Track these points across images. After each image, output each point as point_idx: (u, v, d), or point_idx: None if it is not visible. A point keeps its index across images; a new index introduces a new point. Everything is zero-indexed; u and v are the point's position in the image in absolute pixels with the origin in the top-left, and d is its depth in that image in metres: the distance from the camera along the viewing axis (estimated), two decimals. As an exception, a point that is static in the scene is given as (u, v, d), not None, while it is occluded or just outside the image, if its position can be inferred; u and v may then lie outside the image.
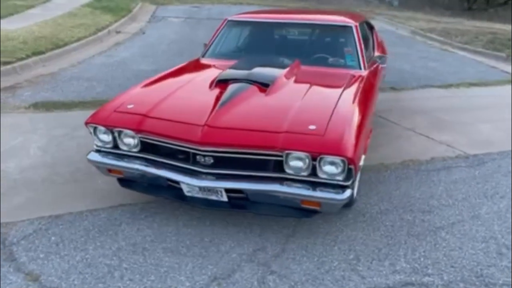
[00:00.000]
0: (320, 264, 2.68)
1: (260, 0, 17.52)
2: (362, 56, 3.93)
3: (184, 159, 2.82)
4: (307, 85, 3.38)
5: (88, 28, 9.79)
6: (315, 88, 3.36)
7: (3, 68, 6.80)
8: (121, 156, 3.00)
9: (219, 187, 2.74)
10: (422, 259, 2.77)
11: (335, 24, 4.17)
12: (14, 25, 9.49)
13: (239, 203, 2.88)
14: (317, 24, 4.24)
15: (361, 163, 2.85)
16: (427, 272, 2.65)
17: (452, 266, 2.71)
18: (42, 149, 4.23)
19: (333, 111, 2.90)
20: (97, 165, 3.06)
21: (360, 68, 3.86)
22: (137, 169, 2.92)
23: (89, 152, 3.09)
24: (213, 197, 2.85)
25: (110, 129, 2.93)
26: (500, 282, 2.57)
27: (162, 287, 2.44)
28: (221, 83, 3.31)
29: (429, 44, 11.64)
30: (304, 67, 3.80)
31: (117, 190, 3.31)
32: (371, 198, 3.50)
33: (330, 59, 3.96)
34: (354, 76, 3.67)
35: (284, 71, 3.50)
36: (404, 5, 20.37)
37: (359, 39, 4.00)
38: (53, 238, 2.86)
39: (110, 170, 3.08)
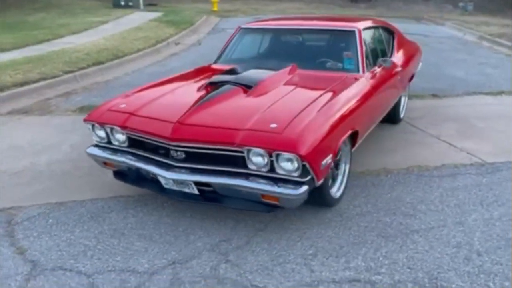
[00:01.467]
0: (276, 257, 2.79)
1: (315, 9, 17.60)
2: (362, 60, 3.95)
3: (162, 154, 3.08)
4: (292, 87, 3.51)
5: (149, 40, 10.55)
6: (298, 90, 3.47)
7: (65, 76, 7.62)
8: (113, 151, 3.33)
9: (188, 180, 2.95)
10: (381, 258, 2.76)
11: (338, 29, 4.23)
12: (85, 39, 10.51)
13: (210, 196, 3.07)
14: (320, 29, 4.33)
15: (326, 162, 2.90)
16: (380, 271, 2.64)
17: (409, 268, 2.67)
18: (73, 146, 4.73)
19: (301, 111, 3.00)
20: (94, 158, 3.43)
21: (358, 71, 3.89)
22: (124, 162, 3.23)
23: (88, 146, 3.46)
24: (186, 190, 3.07)
25: (102, 126, 3.28)
26: (453, 286, 2.50)
27: (123, 267, 2.70)
28: (211, 85, 3.54)
29: (495, 50, 11.00)
30: (300, 71, 3.91)
31: (122, 184, 3.63)
32: (356, 200, 3.51)
33: (329, 63, 4.03)
34: (346, 79, 3.72)
35: (272, 74, 3.65)
36: (480, 10, 19.25)
37: (360, 43, 4.02)
38: (50, 220, 3.25)
39: (105, 163, 3.43)
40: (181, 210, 3.34)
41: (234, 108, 3.17)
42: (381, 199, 3.54)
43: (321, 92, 3.40)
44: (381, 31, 4.81)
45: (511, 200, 3.50)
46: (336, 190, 3.45)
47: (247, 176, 2.86)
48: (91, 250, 2.86)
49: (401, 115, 5.58)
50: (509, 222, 3.18)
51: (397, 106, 5.24)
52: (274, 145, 2.70)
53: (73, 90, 7.18)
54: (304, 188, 2.75)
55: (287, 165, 2.74)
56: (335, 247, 2.89)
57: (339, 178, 3.53)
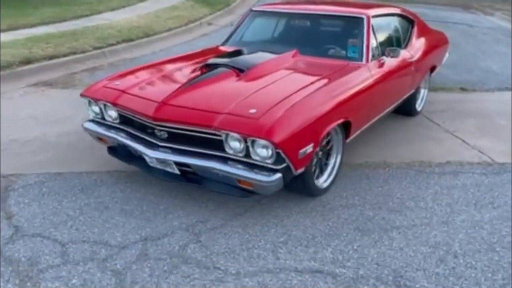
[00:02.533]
0: (246, 242, 2.80)
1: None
2: (367, 48, 3.83)
3: (148, 132, 3.14)
4: (285, 73, 3.46)
5: (182, 20, 10.63)
6: (290, 76, 3.42)
7: (94, 52, 7.84)
8: (107, 127, 3.42)
9: (169, 160, 3.00)
10: (351, 252, 2.72)
11: (346, 16, 4.11)
12: (120, 16, 10.73)
13: (191, 177, 3.11)
14: (328, 15, 4.22)
15: (306, 150, 2.85)
16: (346, 264, 2.61)
17: (377, 264, 2.62)
18: (84, 120, 4.89)
19: (285, 98, 2.96)
20: (89, 133, 3.54)
21: (361, 60, 3.78)
22: (114, 139, 3.32)
23: (85, 121, 3.57)
24: (169, 169, 3.12)
25: (96, 102, 3.37)
26: (417, 286, 2.44)
27: (97, 239, 2.79)
28: (206, 67, 3.55)
29: (542, 44, 10.32)
30: (301, 57, 3.85)
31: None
32: (345, 192, 3.45)
33: (332, 50, 3.94)
34: (346, 67, 3.63)
35: (269, 59, 3.61)
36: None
37: (368, 31, 3.90)
38: (44, 189, 3.40)
39: (99, 138, 3.53)
40: (167, 189, 3.40)
41: (220, 91, 3.17)
42: (371, 192, 3.46)
43: (314, 79, 3.34)
44: (396, 19, 4.64)
45: (510, 202, 3.33)
46: (323, 181, 3.41)
47: (224, 159, 2.87)
48: (72, 221, 2.98)
49: (419, 108, 5.39)
50: (499, 226, 3.04)
51: (412, 98, 5.07)
52: (249, 131, 2.68)
53: (100, 65, 7.37)
54: (277, 176, 2.73)
55: (262, 152, 2.73)
56: (308, 236, 2.87)
57: (329, 168, 3.48)
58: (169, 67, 3.79)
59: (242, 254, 2.68)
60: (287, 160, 2.75)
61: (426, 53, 5.03)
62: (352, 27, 4.00)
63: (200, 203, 3.23)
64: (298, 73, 3.54)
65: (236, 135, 2.73)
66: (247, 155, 2.78)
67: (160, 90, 3.24)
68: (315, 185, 3.26)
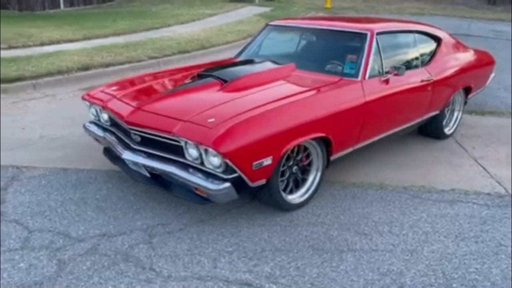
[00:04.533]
0: (195, 248, 2.85)
1: (441, 10, 16.35)
2: (365, 65, 3.71)
3: (127, 135, 3.33)
4: (269, 86, 3.48)
5: (242, 33, 10.95)
6: (273, 89, 3.43)
7: (149, 61, 8.37)
8: (101, 128, 3.68)
9: (138, 162, 3.15)
10: (291, 269, 2.66)
11: (350, 31, 4.02)
12: (186, 29, 11.32)
13: (161, 181, 3.23)
14: (335, 30, 4.14)
15: (262, 163, 2.85)
16: (279, 281, 2.55)
17: (311, 284, 2.54)
18: (110, 123, 5.26)
19: (250, 109, 2.99)
20: (88, 133, 3.82)
21: (357, 77, 3.67)
22: (104, 139, 3.56)
23: (86, 122, 3.87)
24: (142, 172, 3.28)
25: (92, 105, 3.65)
26: (341, 311, 2.32)
27: (61, 230, 3.00)
28: (198, 77, 3.68)
29: None
30: (297, 71, 3.83)
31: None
32: (320, 210, 3.36)
33: (329, 65, 3.88)
34: (337, 83, 3.56)
35: (257, 71, 3.66)
36: None
37: (369, 47, 3.78)
38: (43, 182, 3.72)
39: (96, 139, 3.80)
40: (149, 191, 3.55)
41: (195, 100, 3.27)
42: (348, 213, 3.34)
43: (294, 92, 3.34)
44: (415, 36, 4.42)
45: (498, 239, 3.03)
46: (298, 196, 3.36)
47: (185, 166, 2.95)
48: (50, 211, 3.24)
49: (449, 131, 5.07)
50: (469, 262, 2.78)
51: (438, 120, 4.78)
52: (200, 139, 2.75)
53: (150, 74, 7.84)
54: (226, 185, 2.76)
55: (214, 161, 2.78)
56: (257, 249, 2.85)
57: (307, 184, 3.41)
58: (169, 76, 3.97)
59: (183, 259, 2.73)
60: (238, 171, 2.77)
61: (455, 73, 4.73)
62: (355, 42, 3.90)
63: (172, 206, 3.33)
64: (281, 86, 3.53)
65: (191, 142, 2.81)
66: (203, 163, 2.85)
67: (145, 96, 3.42)
68: (284, 200, 3.22)
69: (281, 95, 3.24)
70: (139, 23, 12.09)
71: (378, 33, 3.89)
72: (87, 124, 3.81)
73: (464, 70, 4.90)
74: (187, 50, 9.14)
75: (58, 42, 9.48)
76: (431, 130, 4.95)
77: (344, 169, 4.02)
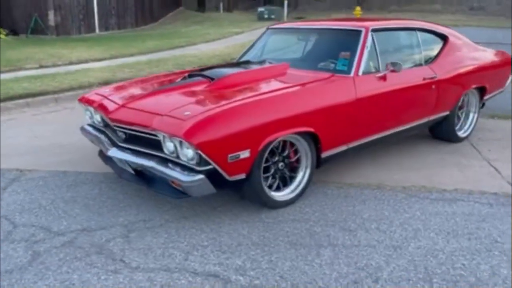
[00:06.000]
0: (169, 242, 2.80)
1: (477, 21, 15.91)
2: (358, 61, 3.62)
3: (114, 134, 3.36)
4: (256, 83, 3.45)
5: (264, 49, 11.01)
6: (258, 85, 3.40)
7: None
8: (95, 129, 3.75)
9: (121, 158, 3.17)
10: (263, 262, 2.56)
11: (344, 29, 3.95)
12: (210, 47, 11.53)
13: (144, 178, 3.23)
14: (332, 29, 4.08)
15: (238, 155, 2.80)
16: (248, 273, 2.46)
17: (280, 276, 2.43)
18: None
19: (228, 103, 2.96)
20: (84, 135, 3.90)
21: (349, 73, 3.58)
22: (96, 138, 3.61)
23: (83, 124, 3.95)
24: (128, 169, 3.29)
25: (87, 106, 3.73)
26: (305, 303, 2.20)
27: (44, 225, 3.02)
28: (189, 76, 3.71)
29: None
30: (290, 70, 3.78)
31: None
32: (309, 208, 3.25)
33: (322, 63, 3.81)
34: (328, 79, 3.48)
35: (246, 70, 3.66)
36: None
37: (363, 44, 3.68)
38: (41, 183, 3.80)
39: (92, 141, 3.87)
40: (139, 191, 3.55)
41: (178, 96, 3.28)
42: (337, 210, 3.21)
43: (279, 87, 3.30)
44: (416, 33, 4.27)
45: (495, 236, 2.81)
46: (286, 193, 3.27)
47: (164, 161, 2.94)
48: (39, 209, 3.29)
49: (463, 134, 4.84)
50: (457, 258, 2.59)
51: (450, 122, 4.59)
52: (173, 131, 2.74)
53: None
54: (199, 177, 2.72)
55: (188, 153, 2.76)
56: (233, 243, 2.77)
57: (295, 182, 3.32)
58: (166, 78, 4.01)
59: (155, 252, 2.69)
60: (212, 163, 2.73)
61: (464, 71, 4.54)
62: (349, 40, 3.82)
63: (158, 204, 3.31)
64: (268, 83, 3.48)
65: (165, 135, 2.80)
66: (178, 156, 2.83)
67: (133, 95, 3.46)
68: (269, 196, 3.13)
69: (264, 90, 3.20)
70: (166, 42, 12.43)
71: (373, 30, 3.79)
72: (84, 126, 3.89)
73: (475, 69, 4.70)
74: (206, 65, 9.25)
75: (86, 61, 9.86)
76: (442, 133, 4.74)
77: (343, 171, 3.90)
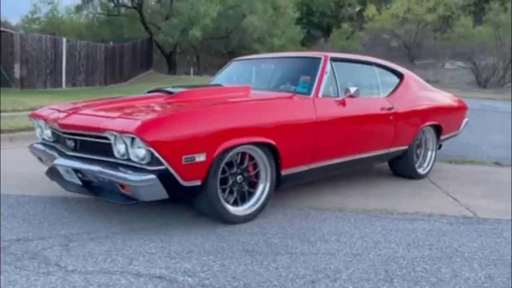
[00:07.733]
0: (113, 250, 2.56)
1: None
2: (318, 84, 3.65)
3: (62, 144, 3.19)
4: (215, 97, 3.41)
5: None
6: (214, 99, 3.35)
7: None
8: (44, 145, 3.54)
9: (66, 166, 2.97)
10: (215, 266, 2.37)
11: (306, 56, 4.07)
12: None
13: (91, 187, 3.03)
14: (292, 57, 4.19)
15: (193, 158, 2.68)
16: (197, 275, 2.27)
17: (233, 277, 2.23)
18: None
19: (185, 110, 2.89)
20: (32, 152, 3.67)
21: (309, 94, 3.60)
22: (44, 153, 3.40)
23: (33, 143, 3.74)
24: (75, 181, 3.08)
25: (37, 121, 3.56)
26: (258, 300, 2.00)
27: (31, 234, 2.76)
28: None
29: None
30: (251, 91, 3.76)
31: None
32: (267, 223, 3.11)
33: (283, 86, 3.85)
34: (287, 97, 3.49)
35: (203, 88, 3.64)
36: None
37: (322, 69, 3.74)
38: (27, 206, 3.41)
39: (39, 159, 3.65)
40: (86, 209, 3.31)
41: (135, 106, 3.18)
42: (297, 226, 3.07)
43: (239, 100, 3.26)
44: (374, 69, 4.41)
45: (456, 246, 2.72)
46: (244, 209, 3.12)
47: (112, 164, 2.77)
48: (33, 221, 3.01)
49: (423, 171, 4.86)
50: (418, 263, 2.47)
51: (409, 157, 4.62)
52: (124, 128, 2.62)
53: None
54: (149, 176, 2.56)
55: (139, 152, 2.62)
56: (183, 251, 2.57)
57: (254, 197, 3.18)
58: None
59: (96, 258, 2.45)
60: (165, 163, 2.59)
61: (421, 108, 4.67)
62: (309, 66, 3.87)
63: (106, 218, 3.08)
64: (227, 98, 3.44)
65: (116, 133, 2.66)
66: (129, 158, 2.68)
67: (88, 105, 3.34)
68: (226, 210, 2.97)
69: (223, 102, 3.15)
70: (141, 88, 12.39)
71: (332, 59, 3.88)
72: (33, 144, 3.69)
73: (431, 108, 4.84)
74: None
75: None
76: (403, 169, 4.76)
77: (304, 197, 3.80)
